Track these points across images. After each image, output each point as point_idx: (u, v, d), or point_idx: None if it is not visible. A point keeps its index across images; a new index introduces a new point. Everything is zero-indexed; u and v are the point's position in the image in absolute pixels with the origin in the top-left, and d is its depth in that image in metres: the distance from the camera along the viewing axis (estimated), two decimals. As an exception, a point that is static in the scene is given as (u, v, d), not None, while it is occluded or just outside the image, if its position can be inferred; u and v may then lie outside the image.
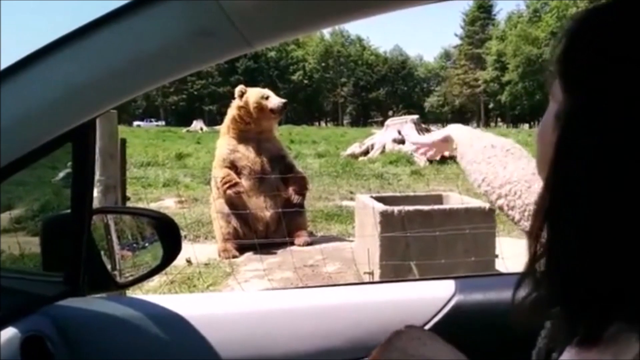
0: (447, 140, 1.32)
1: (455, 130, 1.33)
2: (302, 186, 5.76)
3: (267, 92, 5.91)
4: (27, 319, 0.92)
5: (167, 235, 1.19)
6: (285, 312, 1.12)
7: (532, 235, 0.53)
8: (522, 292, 0.54)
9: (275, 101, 5.75)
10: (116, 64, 0.79)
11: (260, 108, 5.71)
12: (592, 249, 0.48)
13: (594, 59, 0.49)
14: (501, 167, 1.12)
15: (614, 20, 0.49)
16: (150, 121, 54.04)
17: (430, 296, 1.13)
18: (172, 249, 1.18)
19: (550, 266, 0.52)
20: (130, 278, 1.18)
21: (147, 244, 1.28)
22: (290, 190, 5.63)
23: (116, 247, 1.28)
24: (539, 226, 0.52)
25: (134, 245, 1.31)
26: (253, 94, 5.81)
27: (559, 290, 0.51)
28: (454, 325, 1.07)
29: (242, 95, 5.83)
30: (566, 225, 0.50)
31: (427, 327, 1.09)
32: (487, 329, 1.02)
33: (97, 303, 1.10)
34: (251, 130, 5.78)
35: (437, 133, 1.38)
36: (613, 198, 0.46)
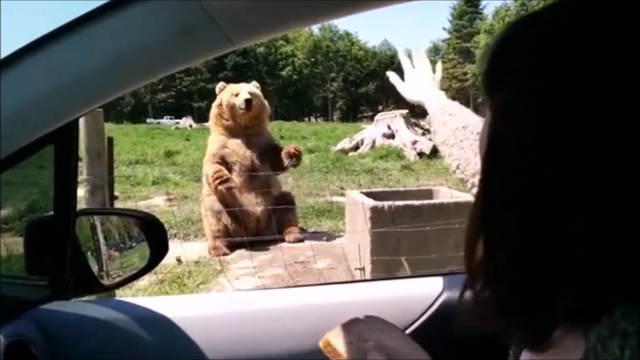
0: (421, 104, 1.31)
1: (429, 100, 1.29)
2: (297, 148, 5.73)
3: (239, 88, 5.82)
4: (11, 324, 0.90)
5: (154, 236, 1.17)
6: (273, 311, 1.11)
7: (469, 246, 0.53)
8: (467, 295, 0.55)
9: (241, 98, 5.67)
10: (98, 63, 0.78)
11: (231, 105, 5.70)
12: (524, 252, 0.48)
13: (508, 71, 0.51)
14: (473, 154, 1.08)
15: (533, 30, 0.51)
16: (171, 119, 53.10)
17: (419, 293, 1.13)
18: (159, 250, 1.17)
19: (487, 278, 0.52)
20: (117, 280, 1.17)
21: (134, 244, 1.27)
22: (283, 154, 5.59)
23: (103, 247, 1.27)
24: (475, 235, 0.52)
25: (121, 245, 1.30)
26: (226, 92, 5.80)
27: (497, 302, 0.51)
28: (443, 322, 1.07)
29: (221, 92, 5.85)
30: (499, 234, 0.50)
31: (416, 324, 1.09)
32: (475, 327, 1.02)
33: (82, 306, 1.08)
34: (235, 126, 5.75)
35: (414, 92, 1.35)
36: (534, 198, 0.47)
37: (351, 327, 0.79)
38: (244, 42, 0.78)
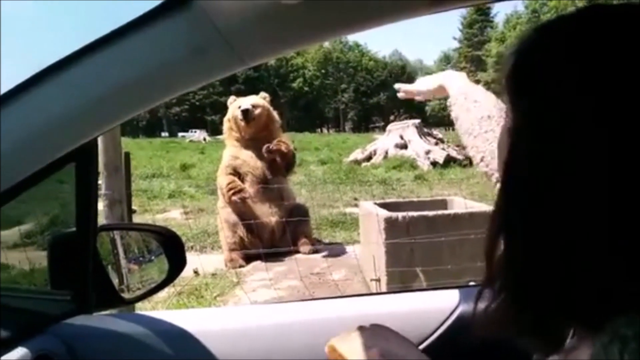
0: (440, 91, 1.25)
1: (449, 80, 1.23)
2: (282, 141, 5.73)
3: (242, 100, 5.86)
4: (37, 339, 0.93)
5: (172, 250, 1.20)
6: (291, 325, 1.12)
7: (489, 246, 0.54)
8: (482, 304, 0.56)
9: (241, 107, 5.70)
10: (116, 84, 0.80)
11: (235, 118, 5.76)
12: (542, 256, 0.49)
13: (533, 77, 0.52)
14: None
15: (554, 40, 0.52)
16: (194, 131, 54.00)
17: (435, 307, 1.13)
18: (177, 263, 1.19)
19: (506, 278, 0.53)
20: (137, 293, 1.19)
21: (153, 257, 1.29)
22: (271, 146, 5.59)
23: (123, 261, 1.29)
24: (495, 235, 0.54)
25: (141, 258, 1.32)
26: (233, 105, 5.85)
27: (515, 301, 0.52)
28: (459, 335, 1.06)
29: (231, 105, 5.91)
30: (517, 234, 0.52)
31: (432, 338, 1.09)
32: (493, 341, 1.01)
33: (104, 320, 1.10)
34: (246, 137, 5.78)
35: (430, 81, 1.29)
36: (557, 204, 0.48)
37: (357, 335, 0.79)
38: (255, 61, 0.80)
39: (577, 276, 0.47)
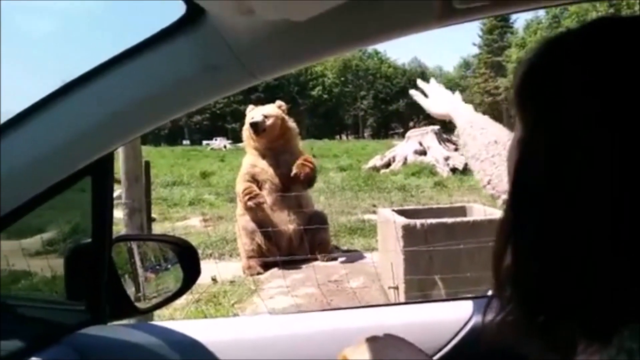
0: (447, 117, 1.30)
1: (456, 112, 1.28)
2: (307, 159, 5.72)
3: (256, 112, 5.84)
4: (51, 349, 0.95)
5: (187, 260, 1.21)
6: (304, 335, 1.12)
7: (497, 255, 0.55)
8: (490, 314, 0.56)
9: (250, 120, 5.71)
10: (131, 100, 0.82)
11: (249, 128, 5.79)
12: (548, 264, 0.50)
13: (541, 87, 0.53)
14: (505, 170, 1.08)
15: (562, 51, 0.53)
16: (216, 139, 55.07)
17: (448, 318, 1.12)
18: (192, 273, 1.20)
19: (515, 286, 0.54)
20: (152, 303, 1.21)
21: (169, 266, 1.31)
22: (295, 165, 5.59)
23: (140, 270, 1.31)
24: (503, 245, 0.54)
25: (157, 267, 1.34)
26: (249, 115, 5.86)
27: (524, 311, 0.52)
28: (473, 346, 1.05)
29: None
30: (524, 242, 0.52)
31: (446, 348, 1.08)
32: (506, 352, 1.00)
33: (118, 330, 1.12)
34: (262, 146, 5.80)
35: (440, 105, 1.34)
36: (566, 215, 0.48)
37: (369, 345, 0.79)
38: (266, 77, 0.81)
39: (587, 282, 0.47)
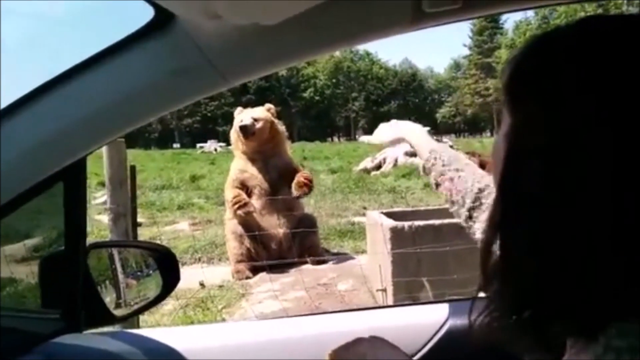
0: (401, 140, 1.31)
1: (409, 134, 1.30)
2: (307, 177, 5.63)
3: (244, 114, 5.80)
4: (24, 358, 0.93)
5: (166, 266, 1.20)
6: (278, 342, 1.11)
7: (485, 250, 0.56)
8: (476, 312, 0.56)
9: (240, 123, 5.63)
10: (101, 105, 0.81)
11: (237, 131, 5.72)
12: (542, 261, 0.50)
13: (531, 84, 0.54)
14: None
15: (554, 44, 0.54)
16: (208, 142, 54.90)
17: (424, 321, 1.12)
18: (171, 279, 1.19)
19: (502, 283, 0.54)
20: (128, 311, 1.19)
21: (151, 272, 1.29)
22: (294, 184, 5.49)
23: (121, 276, 1.29)
24: (491, 240, 0.55)
25: (139, 273, 1.33)
26: (237, 118, 5.79)
27: (513, 308, 0.52)
28: (449, 349, 1.06)
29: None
30: (516, 238, 0.53)
31: (421, 352, 1.08)
32: (481, 354, 1.00)
33: (93, 339, 1.11)
34: (251, 150, 5.74)
35: (388, 134, 1.34)
36: (558, 208, 0.49)
37: (354, 347, 0.83)
38: (238, 80, 0.81)
39: (586, 281, 0.47)
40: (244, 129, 5.61)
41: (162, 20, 0.75)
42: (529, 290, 0.51)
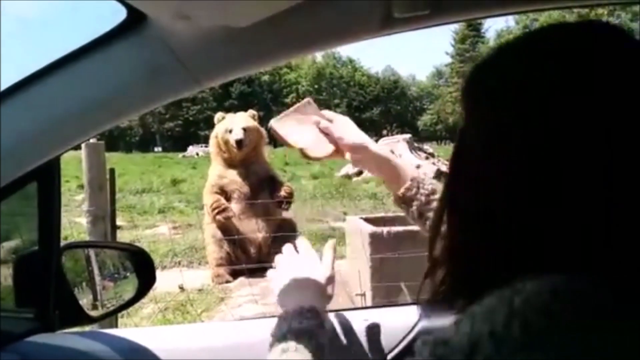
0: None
1: (355, 145, 1.23)
2: (288, 192, 5.63)
3: (233, 123, 5.70)
4: (-4, 356, 0.93)
5: (141, 267, 1.20)
6: (255, 342, 1.12)
7: (433, 232, 0.60)
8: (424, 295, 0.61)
9: (233, 137, 5.57)
10: (72, 106, 0.82)
11: (225, 141, 5.65)
12: (486, 244, 0.52)
13: (476, 94, 0.57)
14: None
15: (515, 49, 0.57)
16: (203, 146, 54.26)
17: (395, 323, 1.14)
18: (146, 280, 1.20)
19: (450, 266, 0.58)
20: (104, 311, 1.19)
21: (127, 274, 1.30)
22: (275, 199, 5.51)
23: (97, 278, 1.29)
24: (438, 219, 0.60)
25: (116, 275, 1.33)
26: (221, 125, 5.71)
27: (457, 290, 0.56)
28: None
29: (219, 122, 5.80)
30: (458, 215, 0.56)
31: (392, 354, 1.10)
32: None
33: (66, 338, 1.10)
34: (236, 158, 5.69)
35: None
36: (487, 183, 0.52)
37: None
38: (211, 83, 0.82)
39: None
40: (239, 143, 5.55)
41: (135, 21, 0.76)
42: (481, 277, 0.52)
